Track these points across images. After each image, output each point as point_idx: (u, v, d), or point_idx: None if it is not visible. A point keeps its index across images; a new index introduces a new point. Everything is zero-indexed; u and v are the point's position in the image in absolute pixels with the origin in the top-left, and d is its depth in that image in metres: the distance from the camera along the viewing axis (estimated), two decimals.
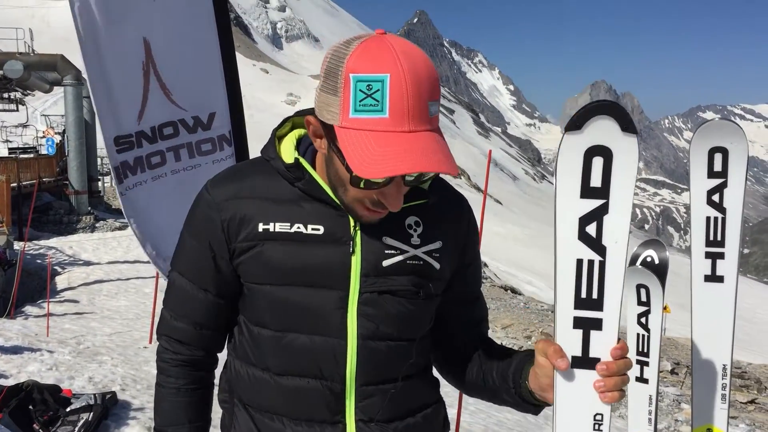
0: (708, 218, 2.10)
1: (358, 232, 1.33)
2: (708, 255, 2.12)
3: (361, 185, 1.22)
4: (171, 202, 3.54)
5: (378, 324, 1.34)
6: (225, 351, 1.53)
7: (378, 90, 1.14)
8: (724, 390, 2.15)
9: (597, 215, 1.17)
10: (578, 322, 1.20)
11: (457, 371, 1.52)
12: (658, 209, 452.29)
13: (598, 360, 1.19)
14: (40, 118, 34.95)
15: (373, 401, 1.36)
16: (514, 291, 21.63)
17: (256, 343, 1.39)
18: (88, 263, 13.95)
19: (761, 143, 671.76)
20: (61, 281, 12.13)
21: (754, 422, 8.60)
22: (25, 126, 30.01)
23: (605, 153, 1.15)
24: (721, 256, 2.11)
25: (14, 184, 17.92)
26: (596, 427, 1.21)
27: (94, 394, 4.85)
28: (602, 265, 1.18)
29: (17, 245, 13.78)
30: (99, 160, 25.32)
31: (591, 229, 1.18)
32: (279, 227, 1.33)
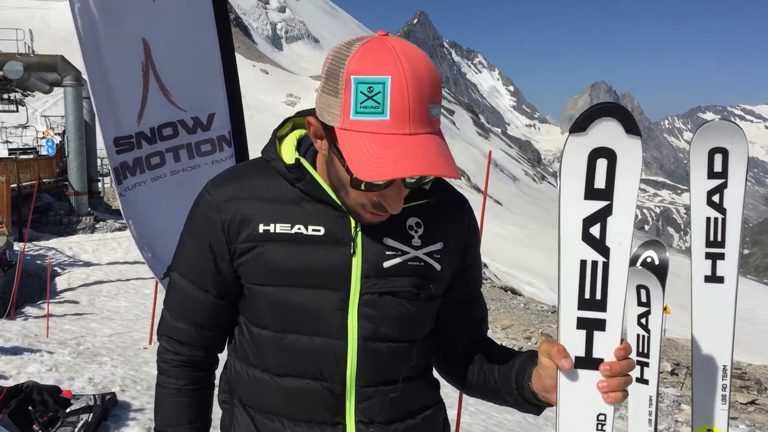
0: (708, 219, 2.10)
1: (359, 233, 1.33)
2: (708, 256, 2.12)
3: (362, 187, 1.22)
4: (170, 202, 3.54)
5: (378, 325, 1.33)
6: (225, 352, 1.53)
7: (379, 92, 1.13)
8: (724, 391, 2.15)
9: (601, 216, 1.18)
10: (582, 323, 1.21)
11: (457, 372, 1.52)
12: (658, 210, 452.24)
13: (601, 360, 1.20)
14: (40, 119, 34.95)
15: (374, 403, 1.36)
16: (514, 292, 21.63)
17: (257, 343, 1.39)
18: (88, 264, 13.95)
19: (761, 144, 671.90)
20: (60, 282, 12.13)
21: (754, 423, 8.60)
22: (25, 127, 30.01)
23: (609, 155, 1.16)
24: (722, 256, 2.11)
25: (14, 185, 17.91)
26: (599, 427, 1.21)
27: (94, 395, 4.85)
28: (606, 266, 1.19)
29: (17, 246, 13.79)
30: (99, 161, 25.33)
31: (595, 230, 1.19)
32: (279, 228, 1.32)
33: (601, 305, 1.20)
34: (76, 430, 4.36)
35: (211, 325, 1.45)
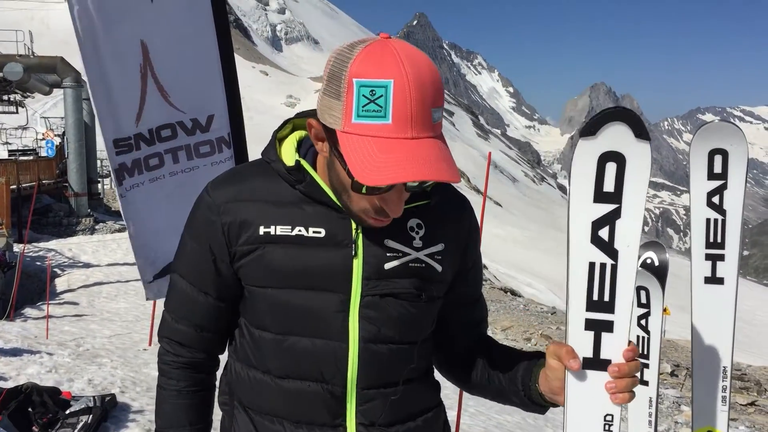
0: (708, 220, 2.10)
1: (360, 235, 1.33)
2: (708, 257, 2.12)
3: (363, 190, 1.22)
4: (169, 203, 3.55)
5: (380, 327, 1.33)
6: (225, 353, 1.53)
7: (381, 96, 1.13)
8: (724, 392, 2.15)
9: (609, 219, 1.20)
10: (590, 324, 1.23)
11: (459, 372, 1.53)
12: (657, 211, 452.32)
13: (609, 361, 1.22)
14: (40, 120, 34.92)
15: (374, 405, 1.36)
16: (513, 293, 21.64)
17: (257, 345, 1.39)
18: (87, 265, 13.93)
19: (761, 145, 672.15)
20: (60, 283, 12.12)
21: (754, 424, 8.59)
22: (24, 128, 29.99)
23: (618, 159, 1.18)
24: (721, 258, 2.11)
25: (14, 186, 17.90)
26: (607, 427, 1.24)
27: (94, 397, 4.85)
28: (614, 268, 1.21)
29: (17, 247, 13.77)
30: (99, 162, 25.33)
31: (603, 233, 1.21)
32: (280, 230, 1.32)
33: (609, 307, 1.22)
34: (76, 431, 4.36)
35: (211, 327, 1.45)
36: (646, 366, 2.23)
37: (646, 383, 2.25)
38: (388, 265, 1.33)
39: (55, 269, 12.85)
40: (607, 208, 1.20)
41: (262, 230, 1.33)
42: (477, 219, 1.52)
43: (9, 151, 26.27)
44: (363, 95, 1.14)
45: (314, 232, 1.32)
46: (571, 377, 1.23)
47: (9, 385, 5.09)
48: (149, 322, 7.80)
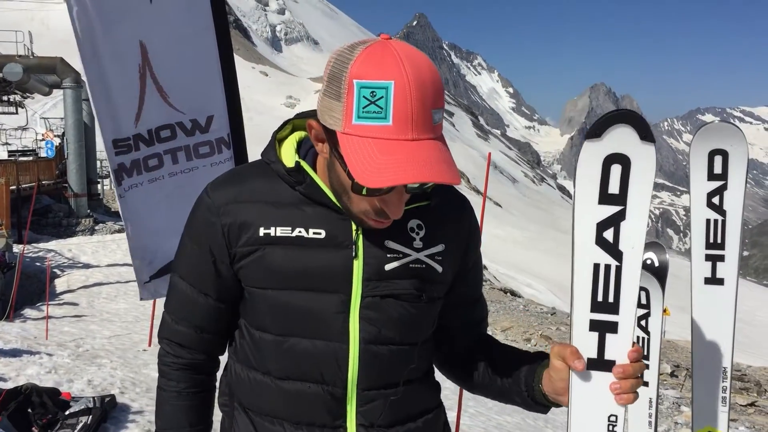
0: (708, 221, 2.10)
1: (360, 236, 1.33)
2: (708, 257, 2.12)
3: (363, 192, 1.22)
4: (168, 204, 3.55)
5: (380, 328, 1.33)
6: (225, 354, 1.53)
7: (382, 97, 1.13)
8: (724, 393, 2.15)
9: (614, 221, 1.21)
10: (594, 325, 1.24)
11: (459, 371, 1.53)
12: (657, 212, 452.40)
13: (613, 362, 1.23)
14: (40, 121, 34.94)
15: (375, 406, 1.36)
16: (513, 294, 21.65)
17: (258, 346, 1.39)
18: (87, 266, 13.92)
19: (760, 146, 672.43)
20: (60, 284, 12.11)
21: (754, 425, 8.59)
22: (24, 129, 29.98)
23: (623, 161, 1.19)
24: (722, 258, 2.11)
25: (13, 187, 17.90)
26: (610, 428, 1.24)
27: (93, 397, 4.84)
28: (618, 269, 1.22)
29: (16, 248, 13.76)
30: (98, 162, 25.31)
31: (608, 234, 1.22)
32: (280, 231, 1.32)
33: (614, 308, 1.23)
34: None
35: (211, 329, 1.45)
36: (647, 366, 2.23)
37: (646, 384, 2.25)
38: (388, 266, 1.33)
39: (55, 270, 12.85)
40: (612, 209, 1.21)
41: (262, 231, 1.33)
42: (477, 219, 1.52)
43: (9, 151, 26.28)
44: (363, 96, 1.14)
45: (314, 233, 1.32)
46: (575, 378, 1.24)
47: (8, 385, 5.08)
48: (149, 323, 7.80)
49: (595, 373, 1.23)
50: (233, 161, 3.65)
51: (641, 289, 2.15)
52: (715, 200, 2.09)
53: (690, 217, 2.14)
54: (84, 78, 3.41)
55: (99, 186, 26.26)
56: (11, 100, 25.30)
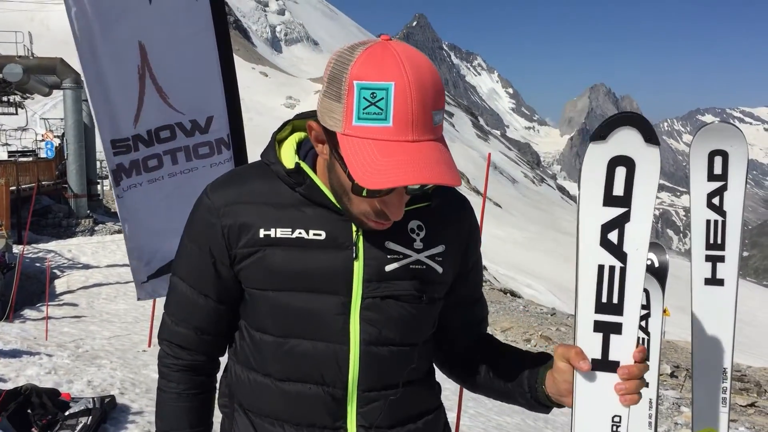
0: (708, 221, 2.10)
1: (361, 237, 1.32)
2: (708, 258, 2.11)
3: (363, 193, 1.22)
4: (168, 205, 3.55)
5: (380, 329, 1.33)
6: (225, 355, 1.53)
7: (382, 98, 1.13)
8: (724, 393, 2.15)
9: (619, 223, 1.22)
10: (599, 326, 1.25)
11: (460, 371, 1.53)
12: (657, 212, 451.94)
13: (617, 363, 1.24)
14: (40, 122, 34.93)
15: (375, 407, 1.35)
16: (513, 294, 21.65)
17: (258, 348, 1.38)
18: (87, 266, 13.92)
19: (760, 146, 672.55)
20: (60, 284, 12.10)
21: (754, 425, 8.58)
22: (24, 129, 29.97)
23: (628, 163, 1.20)
24: (722, 259, 2.11)
25: (13, 188, 17.90)
26: (614, 428, 1.25)
27: (93, 398, 4.84)
28: (623, 271, 1.23)
29: (16, 248, 13.75)
30: (98, 163, 25.30)
31: (613, 236, 1.23)
32: (280, 233, 1.32)
33: (618, 309, 1.24)
34: None
35: (211, 330, 1.44)
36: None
37: (646, 384, 2.25)
38: (388, 267, 1.33)
39: (55, 270, 12.84)
40: (616, 211, 1.22)
41: (262, 233, 1.32)
42: (477, 220, 1.52)
43: (8, 152, 26.27)
44: (364, 98, 1.14)
45: (314, 234, 1.32)
46: (579, 378, 1.24)
47: (8, 386, 5.08)
48: (148, 324, 7.79)
49: (599, 374, 1.24)
50: (233, 162, 3.65)
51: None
52: (715, 201, 2.09)
53: (690, 217, 2.14)
54: (83, 78, 3.41)
55: (99, 186, 26.25)
56: (11, 100, 25.32)
